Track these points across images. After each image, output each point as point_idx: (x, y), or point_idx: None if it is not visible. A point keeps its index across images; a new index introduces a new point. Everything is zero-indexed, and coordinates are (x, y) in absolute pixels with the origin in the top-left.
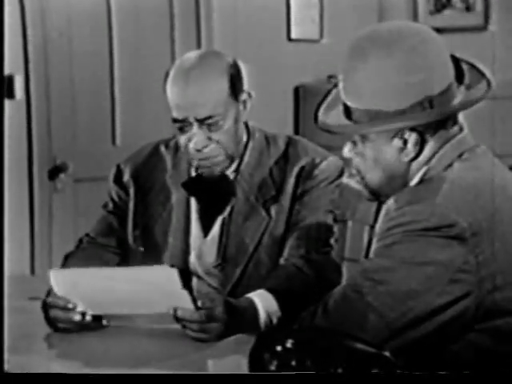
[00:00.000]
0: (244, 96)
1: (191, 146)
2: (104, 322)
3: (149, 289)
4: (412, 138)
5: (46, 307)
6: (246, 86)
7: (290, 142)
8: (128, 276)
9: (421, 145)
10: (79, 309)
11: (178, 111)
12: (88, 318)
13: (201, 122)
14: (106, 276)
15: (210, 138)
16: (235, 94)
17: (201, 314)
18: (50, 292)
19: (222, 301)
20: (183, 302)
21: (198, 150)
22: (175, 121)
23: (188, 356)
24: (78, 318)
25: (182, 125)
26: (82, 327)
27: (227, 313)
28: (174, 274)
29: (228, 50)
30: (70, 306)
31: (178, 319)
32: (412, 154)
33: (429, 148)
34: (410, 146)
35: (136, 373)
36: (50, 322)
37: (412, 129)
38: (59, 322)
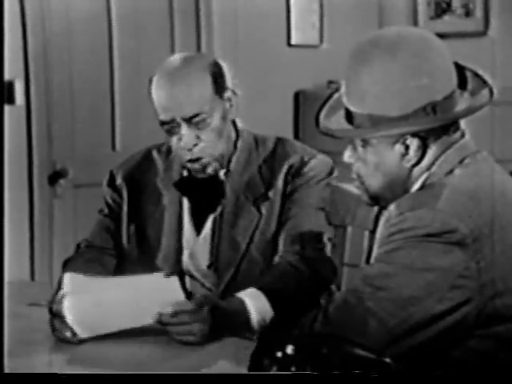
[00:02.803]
0: (229, 94)
1: (181, 145)
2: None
3: (149, 300)
4: (414, 143)
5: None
6: (229, 83)
7: (278, 142)
8: (129, 286)
9: (423, 150)
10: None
11: (164, 113)
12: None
13: (188, 120)
14: (120, 285)
15: (198, 137)
16: (220, 91)
17: (184, 316)
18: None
19: (209, 303)
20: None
21: (189, 150)
22: (163, 123)
23: (181, 360)
24: (68, 335)
25: (170, 127)
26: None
27: (213, 315)
28: (175, 283)
29: (228, 56)
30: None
31: (162, 323)
32: (414, 160)
33: (430, 154)
34: (411, 151)
35: (135, 373)
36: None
37: (414, 134)
38: (57, 332)
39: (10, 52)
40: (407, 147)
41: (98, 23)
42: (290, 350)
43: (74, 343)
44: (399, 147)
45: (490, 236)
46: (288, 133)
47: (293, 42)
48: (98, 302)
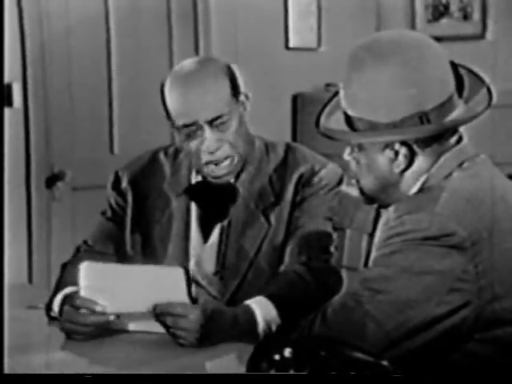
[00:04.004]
0: (243, 97)
1: (204, 149)
2: (111, 317)
3: (157, 288)
4: (402, 150)
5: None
6: (243, 87)
7: (289, 149)
8: (145, 274)
9: (410, 158)
10: (100, 308)
11: (185, 117)
12: (112, 317)
13: (210, 123)
14: (131, 273)
15: (221, 140)
16: (236, 94)
17: (181, 321)
18: (72, 296)
19: (199, 310)
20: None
21: (211, 153)
22: (184, 126)
23: (180, 359)
24: (112, 318)
25: (191, 130)
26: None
27: (204, 321)
28: (180, 273)
29: (226, 59)
30: (99, 308)
31: (155, 314)
32: (402, 166)
33: (421, 160)
34: (400, 157)
35: (135, 373)
36: (72, 325)
37: (402, 142)
38: (85, 327)
39: (8, 55)
40: (396, 153)
41: (96, 26)
42: (287, 353)
43: (93, 333)
44: (389, 152)
45: (488, 239)
46: (286, 136)
47: (291, 45)
48: (109, 283)
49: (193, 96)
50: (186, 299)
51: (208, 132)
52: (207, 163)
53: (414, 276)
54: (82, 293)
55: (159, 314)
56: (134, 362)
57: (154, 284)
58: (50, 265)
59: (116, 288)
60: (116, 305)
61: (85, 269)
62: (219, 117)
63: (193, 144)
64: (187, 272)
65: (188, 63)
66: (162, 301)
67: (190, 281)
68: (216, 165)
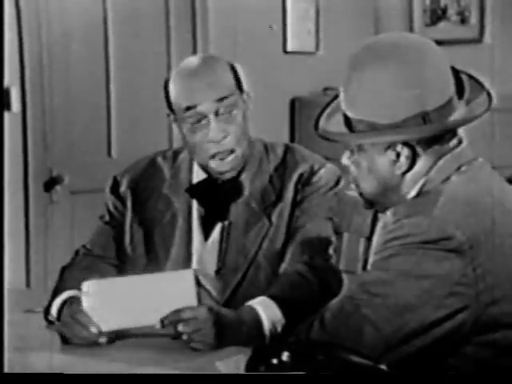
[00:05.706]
0: (245, 96)
1: (209, 139)
2: (103, 340)
3: (165, 295)
4: (404, 151)
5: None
6: (245, 86)
7: (287, 150)
8: (153, 283)
9: (412, 159)
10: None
11: (192, 96)
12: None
13: (218, 103)
14: (135, 285)
15: (226, 130)
16: (240, 87)
17: (186, 325)
18: (72, 302)
19: (205, 309)
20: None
21: (217, 143)
22: (187, 110)
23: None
24: (103, 340)
25: (195, 117)
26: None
27: (221, 327)
28: (190, 276)
29: None
30: (94, 330)
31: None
32: (404, 167)
33: (422, 162)
34: (402, 159)
35: (136, 373)
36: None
37: (404, 143)
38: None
39: (7, 59)
40: (398, 154)
41: (94, 30)
42: (285, 357)
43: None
44: (390, 154)
45: (487, 243)
46: (284, 140)
47: (289, 48)
48: (117, 298)
49: (200, 79)
50: (194, 302)
51: (213, 122)
52: (213, 156)
53: (412, 280)
54: (85, 307)
55: (169, 324)
56: (135, 363)
57: (162, 292)
58: (47, 269)
59: (125, 302)
60: (125, 319)
61: (87, 288)
62: (226, 97)
63: (197, 136)
64: (196, 275)
65: (193, 58)
66: (170, 308)
67: (198, 283)
68: (221, 160)
